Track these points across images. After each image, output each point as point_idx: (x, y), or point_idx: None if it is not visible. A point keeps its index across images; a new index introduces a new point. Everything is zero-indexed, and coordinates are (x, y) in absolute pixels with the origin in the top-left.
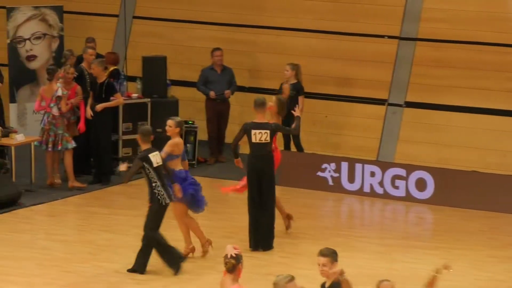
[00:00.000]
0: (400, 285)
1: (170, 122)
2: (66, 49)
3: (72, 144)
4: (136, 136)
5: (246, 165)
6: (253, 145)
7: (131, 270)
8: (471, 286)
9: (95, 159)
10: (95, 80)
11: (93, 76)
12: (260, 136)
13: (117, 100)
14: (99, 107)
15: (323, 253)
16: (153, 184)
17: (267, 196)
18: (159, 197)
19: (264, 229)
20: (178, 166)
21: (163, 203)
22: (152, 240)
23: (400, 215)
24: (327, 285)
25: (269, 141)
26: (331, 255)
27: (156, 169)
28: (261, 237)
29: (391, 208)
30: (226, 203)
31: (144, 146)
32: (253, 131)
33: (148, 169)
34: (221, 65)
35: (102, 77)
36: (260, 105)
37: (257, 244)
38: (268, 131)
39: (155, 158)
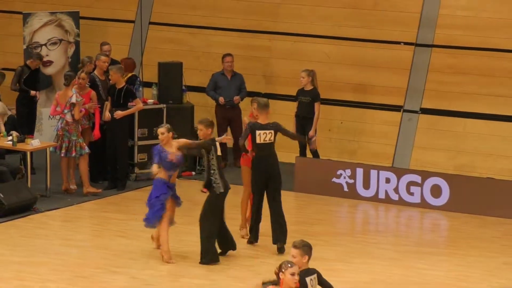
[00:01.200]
0: None
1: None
2: (85, 56)
3: (86, 150)
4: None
5: (252, 166)
6: (258, 146)
7: (203, 262)
8: None
9: (110, 164)
10: (114, 86)
11: (105, 83)
12: (264, 136)
13: (137, 106)
14: (118, 115)
15: (295, 245)
16: (211, 171)
17: (274, 195)
18: (214, 184)
19: (284, 225)
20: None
21: (218, 192)
22: (208, 231)
23: (415, 222)
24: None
25: (273, 141)
26: (302, 247)
27: (218, 157)
28: (282, 233)
29: (406, 215)
30: (239, 209)
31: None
32: (257, 132)
33: (212, 155)
34: (231, 70)
35: (121, 83)
36: (264, 106)
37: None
38: (272, 131)
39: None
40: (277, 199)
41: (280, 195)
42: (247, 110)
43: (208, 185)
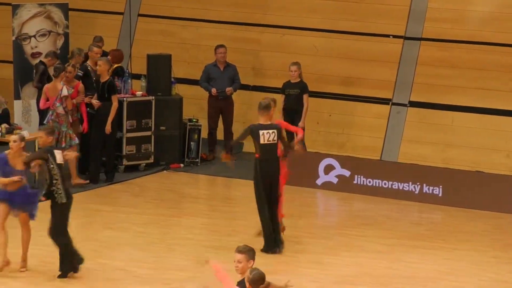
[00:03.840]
0: (401, 285)
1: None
2: (76, 47)
3: (75, 141)
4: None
5: (255, 170)
6: (262, 147)
7: (61, 276)
8: (475, 287)
9: (98, 156)
10: (98, 79)
11: (97, 75)
12: (268, 136)
13: (113, 105)
14: (108, 130)
15: (239, 250)
16: (54, 181)
17: (273, 206)
18: (56, 194)
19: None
20: None
21: (59, 202)
22: (65, 243)
23: (403, 215)
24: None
25: (276, 141)
26: (247, 252)
27: (60, 166)
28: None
29: (394, 208)
30: (230, 202)
31: None
32: (261, 132)
33: (52, 164)
34: (224, 62)
35: (105, 76)
36: (264, 108)
37: (277, 244)
38: (275, 131)
39: (59, 155)
40: (275, 210)
41: (276, 200)
42: (242, 102)
43: (49, 195)
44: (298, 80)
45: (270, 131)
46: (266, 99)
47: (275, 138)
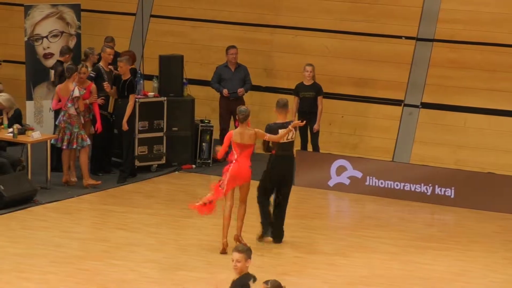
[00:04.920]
0: (414, 286)
1: None
2: (88, 47)
3: (87, 142)
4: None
5: (268, 164)
6: (280, 145)
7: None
8: None
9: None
10: (119, 77)
11: (110, 75)
12: (287, 135)
13: (129, 104)
14: (125, 128)
15: (238, 249)
16: None
17: (284, 201)
18: None
19: (280, 224)
20: None
21: None
22: None
23: (415, 216)
24: (234, 278)
25: (293, 139)
26: (246, 252)
27: None
28: (278, 231)
29: (406, 209)
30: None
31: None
32: (280, 131)
33: None
34: (235, 63)
35: (127, 74)
36: (283, 106)
37: (268, 233)
38: (293, 129)
39: None
40: (284, 205)
41: (288, 196)
42: (253, 103)
43: None
44: (312, 82)
45: None
46: (284, 98)
47: (293, 136)
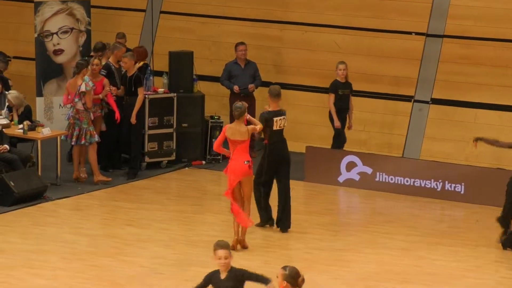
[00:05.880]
0: (424, 282)
1: None
2: (99, 42)
3: (96, 138)
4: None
5: (264, 153)
6: (273, 133)
7: None
8: (496, 284)
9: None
10: (125, 74)
11: (120, 71)
12: (280, 122)
13: (138, 98)
14: (133, 121)
15: (222, 245)
16: None
17: (286, 181)
18: None
19: (287, 210)
20: None
21: None
22: None
23: (426, 212)
24: (223, 276)
25: (285, 126)
26: (228, 246)
27: None
28: (285, 218)
29: (417, 205)
30: (251, 199)
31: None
32: (275, 119)
33: None
34: (244, 59)
35: (132, 70)
36: (277, 95)
37: (266, 223)
38: (285, 117)
39: None
40: (287, 184)
41: (288, 180)
42: (264, 100)
43: None
44: (345, 80)
45: (281, 117)
46: (277, 86)
47: (285, 124)
